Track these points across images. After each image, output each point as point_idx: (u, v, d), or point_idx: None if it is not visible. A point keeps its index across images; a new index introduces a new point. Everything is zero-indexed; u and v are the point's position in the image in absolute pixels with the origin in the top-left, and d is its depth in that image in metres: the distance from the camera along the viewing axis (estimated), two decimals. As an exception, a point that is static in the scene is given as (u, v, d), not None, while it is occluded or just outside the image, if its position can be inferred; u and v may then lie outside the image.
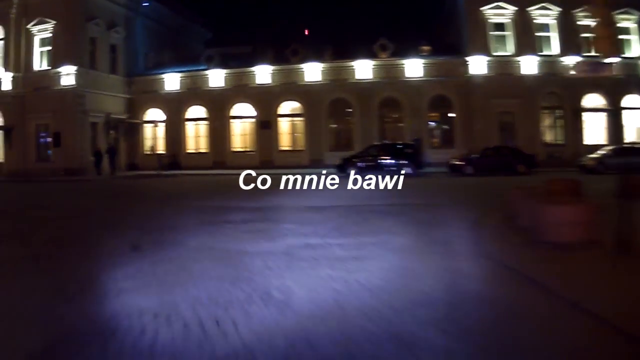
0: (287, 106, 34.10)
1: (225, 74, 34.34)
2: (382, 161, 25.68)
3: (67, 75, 31.28)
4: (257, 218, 10.46)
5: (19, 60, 32.50)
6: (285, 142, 34.15)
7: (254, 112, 34.18)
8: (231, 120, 34.62)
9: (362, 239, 7.84)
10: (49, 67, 32.05)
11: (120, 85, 35.15)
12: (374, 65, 32.74)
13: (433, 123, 33.14)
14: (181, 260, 6.43)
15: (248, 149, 34.34)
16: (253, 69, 33.86)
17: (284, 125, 34.24)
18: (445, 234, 8.35)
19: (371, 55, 32.97)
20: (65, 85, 31.27)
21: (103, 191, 20.79)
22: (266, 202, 13.75)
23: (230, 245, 7.51)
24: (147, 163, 34.14)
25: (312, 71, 33.19)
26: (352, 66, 32.82)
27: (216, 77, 34.52)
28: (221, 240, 8.00)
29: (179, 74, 35.16)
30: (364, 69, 32.76)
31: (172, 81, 35.29)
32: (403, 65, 32.52)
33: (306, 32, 35.90)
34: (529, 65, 31.25)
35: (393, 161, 25.65)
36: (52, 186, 24.09)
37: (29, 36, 32.40)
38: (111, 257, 6.95)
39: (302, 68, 33.34)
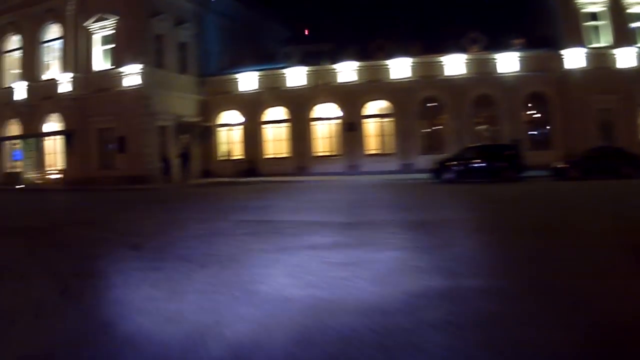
0: (374, 106, 31.94)
1: (307, 71, 32.15)
2: (481, 164, 23.90)
3: (132, 75, 29.17)
4: (350, 241, 7.62)
5: (78, 60, 30.41)
6: (372, 145, 31.99)
7: (338, 113, 32.07)
8: (313, 122, 32.48)
9: (509, 277, 5.12)
10: (112, 67, 30.00)
11: (191, 85, 32.91)
12: (465, 60, 30.69)
13: (529, 122, 31.12)
14: (236, 331, 3.62)
15: (332, 153, 32.19)
16: (335, 66, 31.73)
17: (370, 127, 32.06)
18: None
19: (460, 49, 31.00)
20: (130, 86, 29.13)
21: (166, 202, 17.98)
22: (360, 216, 11.03)
23: (317, 292, 4.61)
24: (223, 169, 32.07)
25: (400, 67, 31.04)
26: (442, 61, 30.77)
27: (296, 76, 32.33)
28: (303, 281, 5.03)
29: (256, 73, 32.92)
30: (454, 64, 30.70)
31: (248, 81, 33.09)
32: (495, 60, 30.51)
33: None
34: (626, 57, 29.35)
35: (493, 164, 23.89)
36: (114, 196, 21.97)
37: (89, 34, 30.38)
38: (130, 314, 4.16)
39: (388, 64, 31.23)
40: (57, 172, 31.44)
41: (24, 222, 11.74)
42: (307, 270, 5.51)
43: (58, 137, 31.50)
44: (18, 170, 33.13)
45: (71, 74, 30.47)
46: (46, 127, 32.02)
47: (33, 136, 31.88)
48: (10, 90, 32.89)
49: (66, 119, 30.80)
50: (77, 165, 30.19)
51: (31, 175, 32.14)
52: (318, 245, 7.12)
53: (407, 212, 11.91)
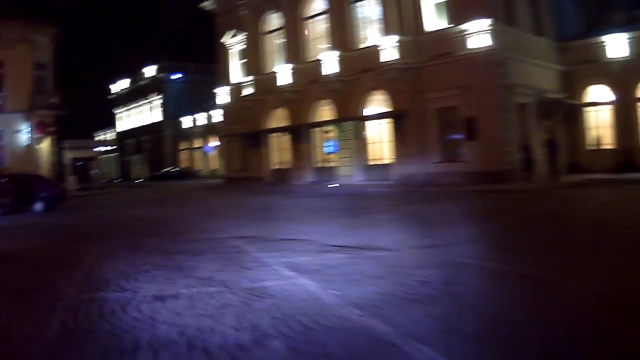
0: None
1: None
2: None
3: (478, 35, 25.06)
4: None
5: (403, 20, 27.70)
6: None
7: None
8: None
9: None
10: (450, 25, 26.56)
11: (548, 52, 28.78)
12: None
13: None
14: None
15: None
16: None
17: None
18: None
19: None
20: (477, 49, 25.07)
21: (564, 219, 13.49)
22: None
23: None
24: (592, 162, 27.94)
25: None
26: None
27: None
28: None
29: (626, 36, 27.94)
30: None
31: (617, 46, 28.27)
32: None
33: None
34: None
35: None
36: (463, 204, 18.45)
37: (416, -14, 27.73)
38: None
39: None
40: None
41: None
42: None
43: (383, 120, 29.36)
44: (332, 164, 32.11)
45: (396, 38, 27.64)
46: (367, 109, 30.18)
47: (349, 120, 30.22)
48: (317, 65, 31.71)
49: (393, 96, 28.23)
50: (409, 157, 27.55)
51: (347, 171, 30.75)
52: None
53: None
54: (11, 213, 21.71)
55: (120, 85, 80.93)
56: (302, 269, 7.85)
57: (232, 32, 39.61)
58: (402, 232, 12.12)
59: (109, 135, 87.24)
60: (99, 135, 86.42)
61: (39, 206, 22.75)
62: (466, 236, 10.76)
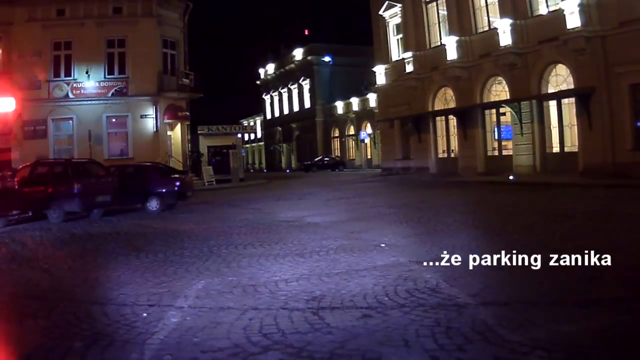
0: None
1: None
2: None
3: None
4: None
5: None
6: None
7: None
8: None
9: None
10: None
11: None
12: None
13: None
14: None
15: None
16: None
17: None
18: None
19: None
20: None
21: None
22: None
23: None
24: None
25: None
26: None
27: None
28: None
29: None
30: None
31: None
32: None
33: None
34: None
35: None
36: None
37: None
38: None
39: None
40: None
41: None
42: None
43: (566, 100, 28.38)
44: (507, 152, 31.47)
45: (576, 2, 26.27)
46: (547, 87, 29.34)
47: (526, 99, 29.45)
48: (490, 36, 31.51)
49: (576, 71, 27.13)
50: (596, 144, 26.19)
51: (524, 160, 29.81)
52: None
53: None
54: (113, 214, 20.05)
55: (268, 69, 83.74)
56: None
57: (386, 3, 40.08)
58: None
59: (257, 122, 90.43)
60: (246, 123, 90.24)
61: (153, 204, 21.03)
62: None
